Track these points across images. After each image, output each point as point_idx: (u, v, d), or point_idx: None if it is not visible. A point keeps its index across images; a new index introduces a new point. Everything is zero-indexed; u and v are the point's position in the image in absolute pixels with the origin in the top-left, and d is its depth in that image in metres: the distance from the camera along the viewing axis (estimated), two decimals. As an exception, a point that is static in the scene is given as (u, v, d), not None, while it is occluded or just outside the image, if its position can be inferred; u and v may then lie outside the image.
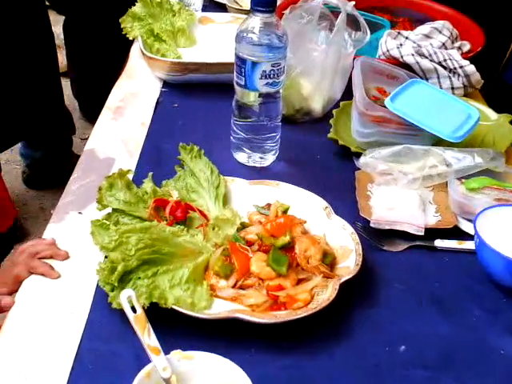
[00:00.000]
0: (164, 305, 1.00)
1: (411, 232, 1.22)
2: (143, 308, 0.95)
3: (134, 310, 0.89)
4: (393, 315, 1.09)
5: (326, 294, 1.05)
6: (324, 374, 0.99)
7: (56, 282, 1.09)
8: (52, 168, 2.79)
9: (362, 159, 1.36)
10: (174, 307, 1.00)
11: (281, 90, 1.36)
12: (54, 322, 1.03)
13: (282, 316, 1.01)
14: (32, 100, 2.51)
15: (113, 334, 1.01)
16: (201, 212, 1.19)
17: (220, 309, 1.04)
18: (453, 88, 1.64)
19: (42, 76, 2.53)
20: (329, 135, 1.47)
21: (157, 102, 1.60)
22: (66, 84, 3.14)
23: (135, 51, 1.80)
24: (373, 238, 1.23)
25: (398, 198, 1.30)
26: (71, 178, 1.33)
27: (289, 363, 1.00)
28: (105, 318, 1.02)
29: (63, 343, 1.00)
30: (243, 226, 1.17)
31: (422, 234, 1.22)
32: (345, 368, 1.00)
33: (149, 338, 0.86)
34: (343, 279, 1.07)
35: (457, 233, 1.25)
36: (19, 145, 2.81)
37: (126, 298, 0.89)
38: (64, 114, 2.80)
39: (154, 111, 1.57)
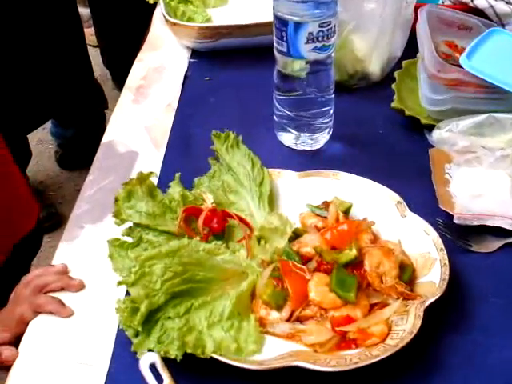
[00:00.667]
0: (202, 354, 0.78)
1: (506, 227, 0.98)
2: (176, 359, 0.75)
3: (159, 378, 0.68)
4: (493, 342, 0.85)
5: (407, 325, 0.82)
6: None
7: (68, 322, 0.88)
8: (86, 146, 2.58)
9: (437, 133, 1.11)
10: (215, 356, 0.79)
11: (332, 55, 1.11)
12: (66, 378, 0.82)
13: (353, 359, 0.78)
14: (58, 75, 2.30)
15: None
16: (242, 220, 0.96)
17: (273, 351, 0.81)
18: (536, 34, 1.36)
19: (67, 50, 2.32)
20: (392, 104, 1.21)
21: (185, 77, 1.36)
22: (98, 54, 2.94)
23: (157, 17, 1.55)
24: (457, 236, 0.98)
25: (484, 181, 1.05)
26: (86, 180, 1.11)
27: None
28: (129, 371, 0.80)
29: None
30: (296, 235, 0.94)
31: (521, 228, 0.97)
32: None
33: (181, 419, 0.65)
34: (428, 302, 0.83)
35: None
36: (50, 124, 2.62)
37: (147, 365, 0.67)
38: (93, 87, 2.59)
39: (182, 88, 1.33)
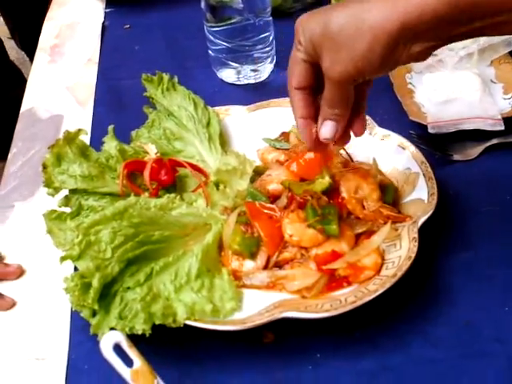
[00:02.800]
0: (173, 324, 0.67)
1: (487, 129, 0.88)
2: (144, 335, 0.63)
3: (128, 360, 0.56)
4: (496, 254, 0.76)
5: (402, 250, 0.71)
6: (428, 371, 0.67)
7: (12, 314, 0.75)
8: (7, 134, 2.41)
9: (390, 43, 1.00)
10: (189, 323, 0.67)
11: (263, -28, 0.99)
12: (22, 378, 0.70)
13: (349, 299, 0.67)
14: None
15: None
16: (194, 167, 0.84)
17: (255, 306, 0.70)
18: None
19: None
20: (336, 21, 1.09)
21: (102, 28, 1.22)
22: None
23: (61, -30, 1.40)
24: (435, 147, 0.88)
25: (452, 84, 0.95)
26: (9, 155, 0.97)
27: (373, 366, 0.67)
28: (92, 358, 0.68)
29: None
30: (258, 174, 0.82)
31: (503, 127, 0.88)
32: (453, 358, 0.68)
33: (161, 402, 0.53)
34: (420, 221, 0.73)
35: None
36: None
37: (111, 347, 0.55)
38: (9, 70, 2.40)
39: (102, 41, 1.19)
